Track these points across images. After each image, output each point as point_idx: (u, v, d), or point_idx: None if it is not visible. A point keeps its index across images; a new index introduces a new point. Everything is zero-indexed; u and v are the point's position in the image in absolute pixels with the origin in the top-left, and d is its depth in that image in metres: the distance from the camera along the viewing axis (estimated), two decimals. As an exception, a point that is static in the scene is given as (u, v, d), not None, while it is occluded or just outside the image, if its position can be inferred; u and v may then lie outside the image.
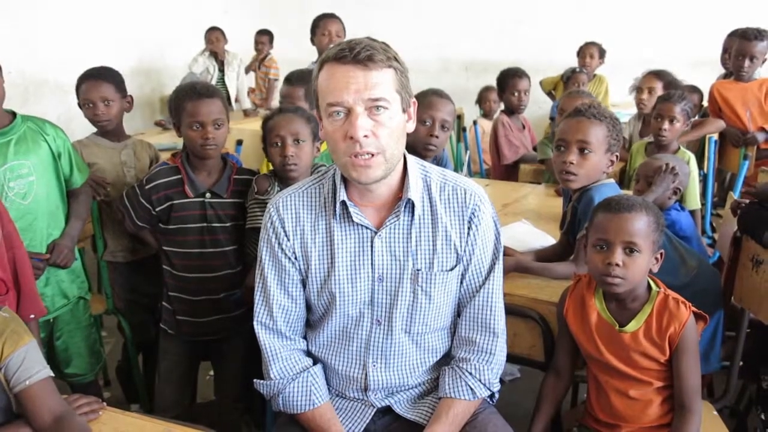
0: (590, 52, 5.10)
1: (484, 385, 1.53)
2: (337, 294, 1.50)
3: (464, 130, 4.59)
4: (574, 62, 5.09)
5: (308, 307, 1.59)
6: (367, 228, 1.49)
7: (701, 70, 4.61)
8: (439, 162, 2.49)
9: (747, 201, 2.14)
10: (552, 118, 4.11)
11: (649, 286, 1.62)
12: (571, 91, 3.49)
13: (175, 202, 2.11)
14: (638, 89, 3.75)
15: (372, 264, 1.49)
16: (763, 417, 2.04)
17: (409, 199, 1.47)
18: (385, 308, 1.52)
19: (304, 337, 1.61)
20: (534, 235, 2.28)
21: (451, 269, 1.51)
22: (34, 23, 5.08)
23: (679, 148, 2.97)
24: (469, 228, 1.51)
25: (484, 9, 6.39)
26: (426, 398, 1.58)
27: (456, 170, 3.31)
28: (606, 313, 1.62)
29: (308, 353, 1.61)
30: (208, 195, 2.12)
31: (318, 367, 1.58)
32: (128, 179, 2.47)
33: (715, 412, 1.83)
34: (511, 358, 1.68)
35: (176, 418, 1.60)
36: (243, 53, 6.09)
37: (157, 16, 6.13)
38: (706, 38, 4.78)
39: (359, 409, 1.57)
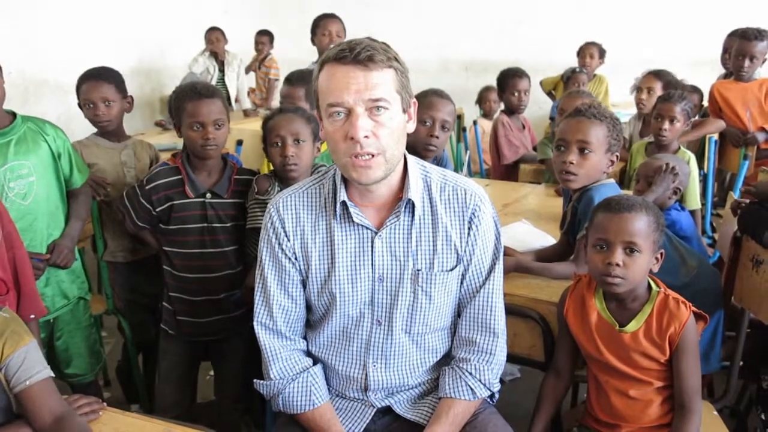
0: (590, 52, 5.10)
1: (484, 385, 1.53)
2: (337, 294, 1.50)
3: (464, 130, 4.59)
4: (574, 62, 5.09)
5: (308, 308, 1.59)
6: (367, 228, 1.49)
7: (701, 70, 4.61)
8: (439, 162, 2.49)
9: (747, 201, 2.14)
10: (552, 118, 4.11)
11: (650, 286, 1.62)
12: (571, 91, 3.48)
13: (175, 202, 2.11)
14: (638, 89, 3.75)
15: (372, 264, 1.49)
16: (763, 417, 2.04)
17: (410, 200, 1.47)
18: (386, 308, 1.52)
19: (304, 338, 1.61)
20: (534, 235, 2.28)
21: (452, 269, 1.51)
22: (34, 23, 5.08)
23: (679, 148, 2.97)
24: (469, 228, 1.51)
25: (484, 9, 6.39)
26: (426, 398, 1.58)
27: (456, 170, 3.31)
28: (606, 313, 1.62)
29: (308, 353, 1.61)
30: (208, 195, 2.12)
31: (318, 368, 1.58)
32: (128, 179, 2.47)
33: (715, 412, 1.83)
34: (511, 358, 1.68)
35: (176, 419, 1.60)
36: (243, 53, 6.09)
37: (157, 16, 6.13)
38: (706, 38, 4.78)
39: (359, 409, 1.57)
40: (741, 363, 1.99)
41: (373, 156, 1.37)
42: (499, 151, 3.85)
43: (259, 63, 6.02)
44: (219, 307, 2.16)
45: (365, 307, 1.52)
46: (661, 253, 1.61)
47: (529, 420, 1.71)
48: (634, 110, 3.89)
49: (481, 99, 4.77)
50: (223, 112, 2.11)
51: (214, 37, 5.74)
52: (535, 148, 3.85)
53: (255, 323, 1.56)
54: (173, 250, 2.15)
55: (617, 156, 1.95)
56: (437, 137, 2.33)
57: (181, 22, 6.30)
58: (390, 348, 1.54)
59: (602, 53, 5.17)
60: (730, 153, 3.87)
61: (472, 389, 1.51)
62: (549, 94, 5.26)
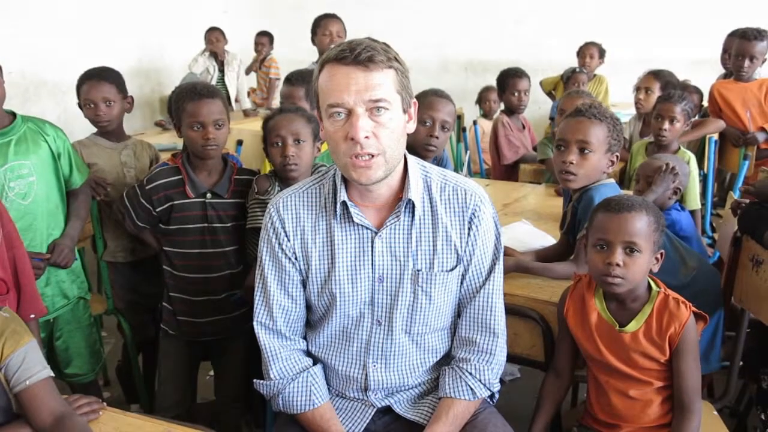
0: (590, 52, 5.11)
1: (484, 385, 1.53)
2: (337, 294, 1.50)
3: (464, 130, 4.60)
4: (574, 62, 5.09)
5: (308, 308, 1.59)
6: (367, 228, 1.49)
7: (701, 70, 4.61)
8: (439, 162, 2.49)
9: (747, 201, 2.14)
10: (552, 118, 4.11)
11: (650, 286, 1.62)
12: (571, 91, 3.48)
13: (175, 202, 2.10)
14: (636, 89, 3.76)
15: (372, 264, 1.49)
16: (763, 417, 2.04)
17: (410, 200, 1.47)
18: (386, 308, 1.52)
19: (304, 338, 1.61)
20: (534, 235, 2.28)
21: (452, 270, 1.51)
22: (34, 23, 5.08)
23: (679, 148, 2.97)
24: (469, 228, 1.51)
25: (484, 9, 6.39)
26: (426, 398, 1.58)
27: (456, 170, 3.31)
28: (606, 313, 1.62)
29: (308, 353, 1.61)
30: (208, 195, 2.12)
31: (318, 367, 1.58)
32: (128, 180, 2.47)
33: (715, 412, 1.83)
34: (511, 358, 1.68)
35: (176, 419, 1.60)
36: (243, 53, 6.09)
37: (157, 16, 6.13)
38: (706, 38, 4.78)
39: (359, 409, 1.57)
40: (741, 363, 1.99)
41: (373, 156, 1.37)
42: (499, 151, 3.85)
43: (260, 63, 6.03)
44: (219, 307, 2.16)
45: (365, 307, 1.52)
46: (661, 254, 1.61)
47: (529, 420, 1.71)
48: (633, 110, 3.90)
49: (481, 99, 4.77)
50: (223, 112, 2.11)
51: (214, 37, 5.74)
52: (535, 148, 3.84)
53: (255, 323, 1.56)
54: (173, 250, 2.15)
55: (617, 156, 1.95)
56: (437, 137, 2.33)
57: (180, 22, 6.31)
58: (390, 348, 1.53)
59: (602, 53, 5.17)
60: (730, 153, 3.87)
61: (472, 389, 1.51)
62: (549, 94, 5.26)
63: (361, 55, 1.32)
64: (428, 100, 2.33)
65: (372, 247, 1.49)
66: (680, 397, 1.57)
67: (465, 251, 1.51)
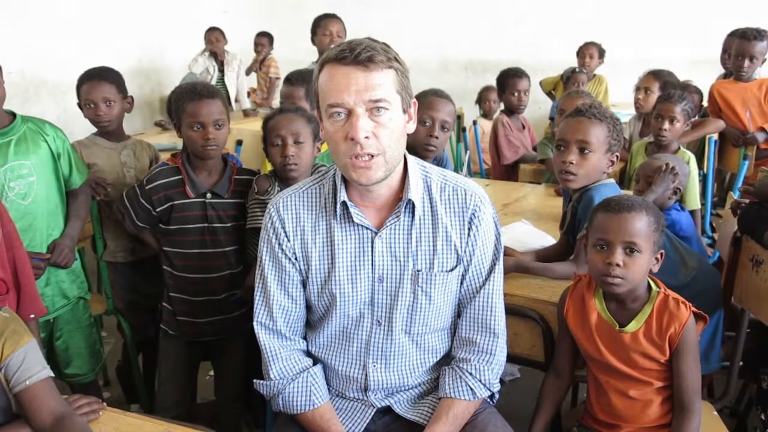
0: (590, 52, 5.11)
1: (485, 385, 1.53)
2: (337, 294, 1.50)
3: (464, 130, 4.60)
4: (574, 62, 5.09)
5: (308, 308, 1.59)
6: (367, 228, 1.49)
7: (701, 70, 4.61)
8: (439, 162, 2.49)
9: (747, 201, 2.14)
10: (552, 118, 4.11)
11: (649, 287, 1.62)
12: (571, 91, 3.49)
13: (175, 202, 2.10)
14: (636, 89, 3.76)
15: (372, 264, 1.49)
16: (763, 417, 2.04)
17: (410, 200, 1.47)
18: (386, 309, 1.52)
19: (304, 338, 1.61)
20: (534, 235, 2.28)
21: (452, 270, 1.51)
22: (34, 23, 5.08)
23: (679, 148, 2.97)
24: (469, 229, 1.51)
25: (484, 9, 6.39)
26: (426, 398, 1.58)
27: (456, 170, 3.31)
28: (606, 313, 1.62)
29: (308, 353, 1.61)
30: (208, 195, 2.12)
31: (318, 368, 1.58)
32: (128, 180, 2.47)
33: (715, 412, 1.83)
34: (511, 358, 1.68)
35: (176, 419, 1.60)
36: (243, 53, 6.09)
37: (157, 16, 6.13)
38: (706, 38, 4.78)
39: (359, 409, 1.57)
40: (741, 363, 1.99)
41: (373, 157, 1.37)
42: (499, 151, 3.85)
43: (260, 64, 6.03)
44: (219, 308, 2.16)
45: (365, 307, 1.52)
46: (661, 254, 1.61)
47: (529, 420, 1.71)
48: (633, 110, 3.90)
49: (481, 99, 4.77)
50: (223, 113, 2.11)
51: (214, 37, 5.74)
52: (535, 148, 3.85)
53: (255, 323, 1.56)
54: (173, 251, 2.15)
55: (617, 156, 1.95)
56: (437, 137, 2.33)
57: (180, 22, 6.31)
58: (390, 348, 1.53)
59: (602, 53, 5.17)
60: (729, 153, 3.87)
61: (472, 389, 1.51)
62: (549, 94, 5.26)
63: (361, 55, 1.32)
64: (428, 100, 2.33)
65: (372, 247, 1.49)
66: (680, 397, 1.57)
67: (465, 251, 1.51)
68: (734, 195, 2.47)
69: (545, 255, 2.07)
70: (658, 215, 1.60)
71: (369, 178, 1.39)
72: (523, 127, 4.02)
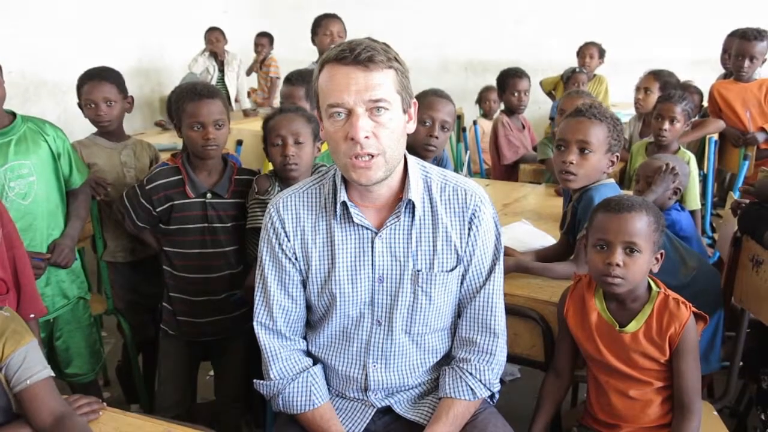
0: (590, 52, 5.11)
1: (485, 385, 1.53)
2: (337, 294, 1.50)
3: (464, 130, 4.60)
4: (574, 62, 5.09)
5: (308, 308, 1.59)
6: (367, 228, 1.49)
7: (701, 70, 4.61)
8: (439, 162, 2.49)
9: (747, 201, 2.14)
10: (552, 118, 4.12)
11: (650, 287, 1.62)
12: (571, 91, 3.49)
13: (175, 202, 2.10)
14: (636, 89, 3.76)
15: (372, 264, 1.49)
16: (763, 417, 2.04)
17: (410, 200, 1.47)
18: (386, 309, 1.52)
19: (304, 338, 1.61)
20: (534, 235, 2.28)
21: (452, 270, 1.51)
22: (33, 23, 5.08)
23: (679, 148, 2.97)
24: (469, 229, 1.51)
25: (484, 9, 6.39)
26: (426, 398, 1.58)
27: (456, 170, 3.31)
28: (606, 313, 1.62)
29: (308, 353, 1.61)
30: (208, 195, 2.12)
31: (318, 368, 1.58)
32: (128, 180, 2.47)
33: (715, 412, 1.83)
34: (511, 358, 1.68)
35: (176, 419, 1.60)
36: (243, 53, 6.09)
37: (157, 16, 6.13)
38: (706, 38, 4.78)
39: (359, 409, 1.57)
40: (741, 363, 1.99)
41: (373, 157, 1.37)
42: (499, 151, 3.85)
43: (260, 64, 6.03)
44: (219, 308, 2.16)
45: (365, 307, 1.52)
46: (661, 254, 1.61)
47: (529, 420, 1.71)
48: (633, 110, 3.90)
49: (481, 99, 4.77)
50: (223, 113, 2.11)
51: (214, 37, 5.74)
52: (535, 148, 3.85)
53: (255, 323, 1.56)
54: (173, 251, 2.15)
55: (617, 156, 1.95)
56: (437, 137, 2.33)
57: (180, 22, 6.31)
58: (390, 348, 1.53)
59: (602, 53, 5.17)
60: (729, 153, 3.87)
61: (472, 389, 1.51)
62: (549, 94, 5.26)
63: (361, 55, 1.32)
64: (428, 100, 2.33)
65: (372, 247, 1.49)
66: (680, 398, 1.57)
67: (465, 251, 1.51)
68: (734, 195, 2.47)
69: (545, 255, 2.07)
70: (658, 215, 1.60)
71: (369, 178, 1.39)
72: (523, 127, 4.02)
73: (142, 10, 5.97)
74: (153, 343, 2.45)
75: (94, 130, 2.53)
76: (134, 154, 2.54)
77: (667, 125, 2.90)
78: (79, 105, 2.49)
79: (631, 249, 1.54)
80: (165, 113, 5.01)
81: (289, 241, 1.52)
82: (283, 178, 2.11)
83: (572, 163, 1.89)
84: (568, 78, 4.55)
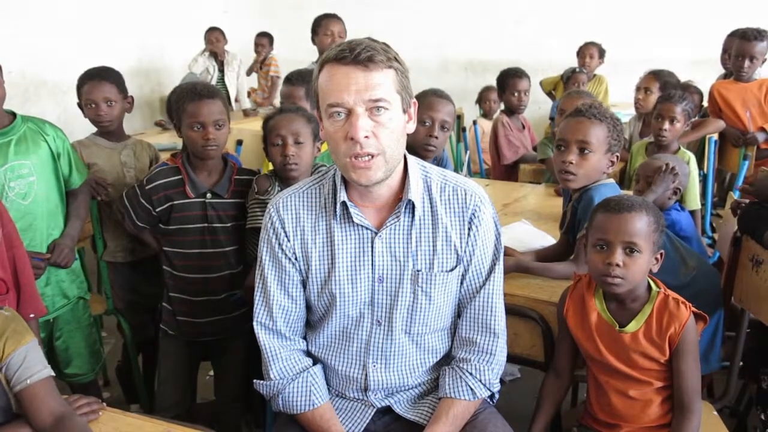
0: (590, 52, 5.11)
1: (485, 385, 1.53)
2: (337, 294, 1.50)
3: (464, 130, 4.59)
4: (574, 62, 5.09)
5: (308, 308, 1.59)
6: (367, 228, 1.49)
7: (701, 70, 4.61)
8: (439, 162, 2.49)
9: (747, 201, 2.14)
10: (552, 118, 4.12)
11: (649, 287, 1.62)
12: (571, 91, 3.49)
13: (175, 202, 2.10)
14: (636, 89, 3.76)
15: (372, 264, 1.49)
16: (763, 417, 2.04)
17: (410, 200, 1.47)
18: (385, 309, 1.51)
19: (304, 338, 1.61)
20: (534, 235, 2.28)
21: (451, 270, 1.51)
22: (34, 23, 5.08)
23: (679, 148, 2.97)
24: (469, 229, 1.51)
25: (484, 9, 6.39)
26: (426, 398, 1.58)
27: (456, 170, 3.31)
28: (606, 313, 1.62)
29: (308, 353, 1.61)
30: (208, 195, 2.12)
31: (318, 368, 1.58)
32: (128, 180, 2.47)
33: (715, 412, 1.83)
34: (511, 358, 1.68)
35: (176, 419, 1.60)
36: (243, 53, 6.09)
37: (157, 16, 6.13)
38: (706, 38, 4.78)
39: (359, 409, 1.57)
40: (741, 363, 1.99)
41: (372, 157, 1.36)
42: (499, 151, 3.85)
43: (260, 64, 6.03)
44: (219, 308, 2.16)
45: (365, 307, 1.52)
46: (661, 254, 1.61)
47: (529, 420, 1.71)
48: (633, 110, 3.90)
49: (481, 99, 4.77)
50: (223, 113, 2.11)
51: (214, 37, 5.74)
52: (535, 148, 3.85)
53: (255, 323, 1.56)
54: (173, 251, 2.15)
55: (617, 156, 1.95)
56: (436, 137, 2.33)
57: (180, 22, 6.31)
58: (390, 348, 1.53)
59: (602, 53, 5.17)
60: (729, 153, 3.87)
61: (472, 389, 1.51)
62: (549, 94, 5.26)
63: (361, 54, 1.32)
64: (428, 100, 2.33)
65: (372, 247, 1.49)
66: (680, 398, 1.57)
67: (465, 251, 1.51)
68: (734, 195, 2.47)
69: (545, 255, 2.07)
70: (658, 215, 1.60)
71: (368, 178, 1.39)
72: (523, 127, 4.02)
73: (142, 10, 5.97)
74: (153, 343, 2.45)
75: (94, 130, 2.53)
76: (134, 154, 2.54)
77: (667, 125, 2.90)
78: (79, 105, 2.49)
79: (631, 249, 1.54)
80: (165, 113, 5.01)
81: (288, 241, 1.52)
82: (283, 178, 2.11)
83: (572, 163, 1.89)
84: (568, 78, 4.55)
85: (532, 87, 4.03)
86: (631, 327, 1.58)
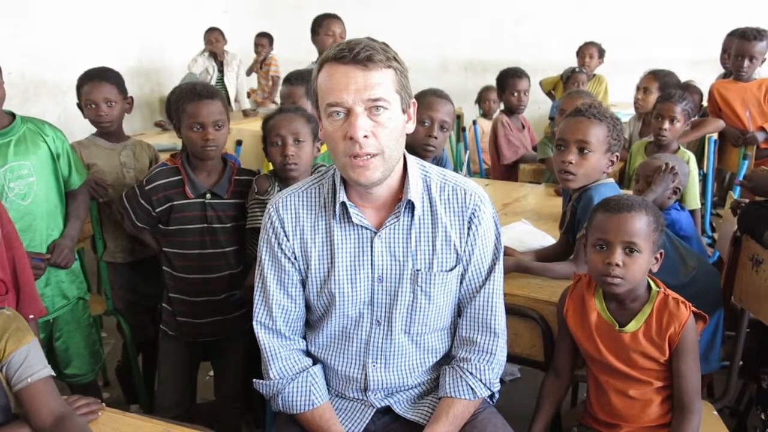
0: (590, 52, 5.11)
1: (485, 384, 1.53)
2: (336, 294, 1.50)
3: (464, 130, 4.60)
4: (574, 62, 5.09)
5: (308, 308, 1.59)
6: (366, 228, 1.49)
7: (701, 70, 4.61)
8: (438, 162, 2.48)
9: (747, 201, 2.14)
10: (552, 118, 4.12)
11: (649, 286, 1.62)
12: (571, 91, 3.49)
13: (175, 203, 2.10)
14: (636, 89, 3.76)
15: (372, 264, 1.49)
16: (763, 417, 2.04)
17: (409, 200, 1.47)
18: (385, 308, 1.51)
19: (304, 337, 1.61)
20: (534, 235, 2.28)
21: (451, 269, 1.51)
22: (33, 24, 5.08)
23: (679, 147, 2.97)
24: (468, 228, 1.51)
25: (484, 9, 6.39)
26: (426, 398, 1.58)
27: (456, 170, 3.31)
28: (606, 313, 1.62)
29: (308, 353, 1.61)
30: (208, 196, 2.12)
31: (317, 367, 1.58)
32: (128, 180, 2.47)
33: (715, 412, 1.83)
34: (511, 358, 1.68)
35: (176, 419, 1.60)
36: (243, 53, 6.10)
37: (157, 16, 6.14)
38: (706, 38, 4.78)
39: (359, 409, 1.57)
40: (741, 363, 1.98)
41: (372, 156, 1.36)
42: (499, 151, 3.85)
43: (260, 64, 6.03)
44: (218, 308, 2.16)
45: (364, 307, 1.52)
46: (661, 253, 1.61)
47: (529, 420, 1.71)
48: (633, 110, 3.90)
49: (481, 99, 4.76)
50: (223, 113, 2.11)
51: (214, 38, 5.74)
52: (535, 148, 3.85)
53: (254, 323, 1.56)
54: (173, 251, 2.15)
55: (617, 156, 1.95)
56: (436, 137, 2.33)
57: (180, 22, 6.31)
58: (389, 348, 1.53)
59: (602, 53, 5.17)
60: (729, 153, 3.87)
61: (472, 389, 1.51)
62: (548, 94, 5.26)
63: (360, 54, 1.32)
64: (427, 100, 2.33)
65: (371, 247, 1.49)
66: (680, 397, 1.57)
67: (464, 251, 1.51)
68: (734, 195, 2.47)
69: (545, 255, 2.07)
70: (658, 215, 1.60)
71: (367, 177, 1.38)
72: (523, 127, 4.02)
73: (142, 10, 5.97)
74: (153, 343, 2.44)
75: (94, 130, 2.53)
76: (134, 155, 2.54)
77: (667, 125, 2.90)
78: (79, 105, 2.49)
79: (630, 249, 1.54)
80: (164, 113, 5.01)
81: (288, 240, 1.52)
82: (282, 178, 2.11)
83: (572, 163, 1.89)
84: (568, 78, 4.55)
85: (531, 87, 4.03)
86: (631, 327, 1.58)
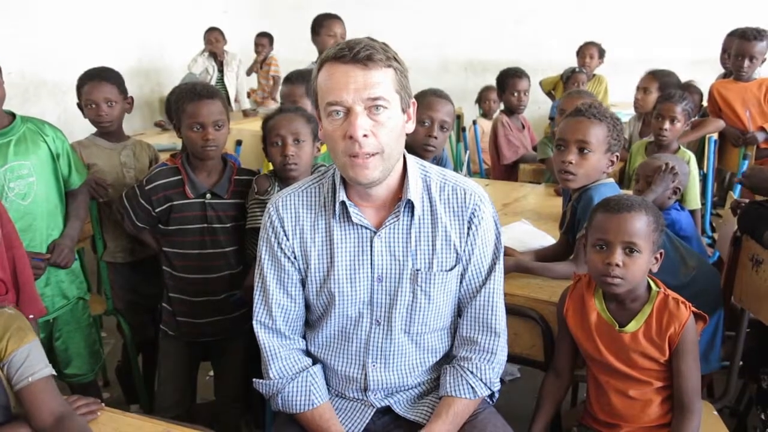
0: (590, 52, 5.11)
1: (485, 384, 1.53)
2: (336, 294, 1.50)
3: (464, 130, 4.60)
4: (574, 62, 5.09)
5: (307, 307, 1.59)
6: (366, 228, 1.49)
7: (701, 70, 4.61)
8: (438, 162, 2.48)
9: (747, 201, 2.14)
10: (552, 118, 4.12)
11: (649, 286, 1.62)
12: (571, 91, 3.49)
13: (175, 203, 2.10)
14: (636, 89, 3.76)
15: (371, 264, 1.49)
16: (763, 417, 2.04)
17: (409, 200, 1.47)
18: (385, 308, 1.51)
19: (304, 337, 1.61)
20: (534, 235, 2.28)
21: (451, 269, 1.51)
22: (33, 24, 5.08)
23: (679, 147, 2.97)
24: (468, 228, 1.51)
25: (484, 9, 6.39)
26: (426, 398, 1.58)
27: (456, 170, 3.31)
28: (606, 313, 1.62)
29: (307, 353, 1.61)
30: (208, 196, 2.12)
31: (317, 367, 1.58)
32: (128, 180, 2.47)
33: (715, 412, 1.83)
34: (511, 358, 1.68)
35: (176, 419, 1.60)
36: (243, 53, 6.10)
37: (157, 16, 6.14)
38: (706, 38, 4.78)
39: (359, 409, 1.57)
40: (741, 363, 1.98)
41: (371, 155, 1.36)
42: (499, 151, 3.85)
43: (260, 64, 6.03)
44: (218, 308, 2.16)
45: (364, 307, 1.52)
46: (661, 253, 1.61)
47: (529, 420, 1.71)
48: (633, 110, 3.90)
49: (481, 99, 4.77)
50: (223, 113, 2.11)
51: (213, 38, 5.74)
52: (535, 148, 3.85)
53: (254, 322, 1.56)
54: (173, 251, 2.15)
55: (617, 156, 1.95)
56: (435, 137, 2.33)
57: (180, 22, 6.31)
58: (389, 348, 1.53)
59: (602, 53, 5.17)
60: (729, 153, 3.87)
61: (473, 388, 1.51)
62: (549, 94, 5.26)
63: (360, 53, 1.32)
64: (427, 100, 2.33)
65: (371, 246, 1.49)
66: (680, 397, 1.57)
67: (464, 251, 1.51)
68: (734, 195, 2.47)
69: (545, 255, 2.07)
70: (658, 215, 1.60)
71: (367, 176, 1.38)
72: (523, 127, 4.02)
73: (142, 10, 5.97)
74: (153, 343, 2.44)
75: (94, 130, 2.53)
76: (134, 155, 2.54)
77: (667, 125, 2.90)
78: (79, 105, 2.49)
79: (630, 249, 1.54)
80: (164, 113, 5.01)
81: (288, 240, 1.52)
82: (282, 178, 2.11)
83: (572, 163, 1.89)
84: (568, 78, 4.55)
85: (531, 87, 4.03)
86: (631, 327, 1.58)
